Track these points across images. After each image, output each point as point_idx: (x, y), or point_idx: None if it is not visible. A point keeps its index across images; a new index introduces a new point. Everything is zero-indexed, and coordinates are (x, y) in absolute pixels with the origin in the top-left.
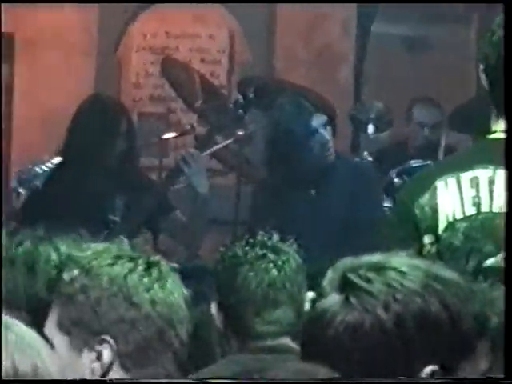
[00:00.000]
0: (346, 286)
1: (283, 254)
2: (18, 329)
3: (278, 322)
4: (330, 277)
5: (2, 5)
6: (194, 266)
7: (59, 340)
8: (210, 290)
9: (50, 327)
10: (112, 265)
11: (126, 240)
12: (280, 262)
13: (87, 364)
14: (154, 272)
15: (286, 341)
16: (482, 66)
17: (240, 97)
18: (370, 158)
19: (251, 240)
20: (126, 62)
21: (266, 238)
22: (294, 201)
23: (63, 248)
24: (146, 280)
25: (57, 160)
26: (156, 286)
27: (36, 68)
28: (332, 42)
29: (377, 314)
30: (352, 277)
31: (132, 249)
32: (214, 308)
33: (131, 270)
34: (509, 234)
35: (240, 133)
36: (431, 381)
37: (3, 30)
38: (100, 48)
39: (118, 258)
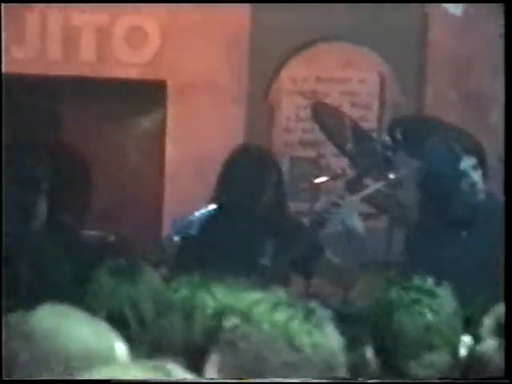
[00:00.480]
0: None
1: (438, 298)
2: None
3: (433, 366)
4: (487, 323)
5: None
6: (348, 311)
7: None
8: (364, 335)
9: (211, 373)
10: (273, 312)
11: (281, 288)
12: (435, 306)
13: None
14: (314, 318)
15: None
16: None
17: (388, 138)
18: None
19: (406, 284)
20: (277, 107)
21: (420, 282)
22: (446, 243)
23: (220, 295)
24: (306, 326)
25: (210, 208)
26: (316, 331)
27: (187, 114)
28: (482, 84)
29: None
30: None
31: (288, 296)
32: (369, 352)
33: (292, 317)
34: (509, 233)
35: (391, 176)
36: (431, 381)
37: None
38: (250, 93)
39: (278, 305)
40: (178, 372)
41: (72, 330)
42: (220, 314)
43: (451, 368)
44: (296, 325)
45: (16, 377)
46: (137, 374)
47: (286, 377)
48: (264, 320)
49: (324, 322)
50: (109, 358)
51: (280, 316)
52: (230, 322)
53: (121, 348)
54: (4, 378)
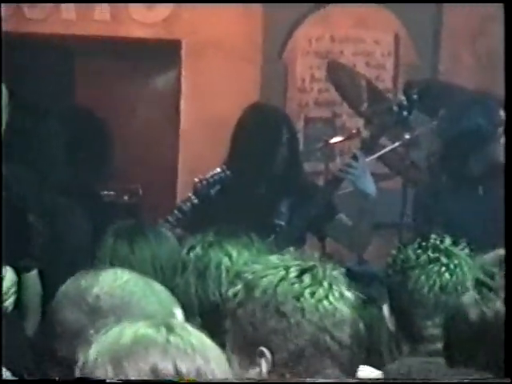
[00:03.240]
0: (476, 283)
1: (455, 258)
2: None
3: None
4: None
5: None
6: (363, 270)
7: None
8: (380, 294)
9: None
10: (266, 275)
11: (291, 249)
12: (452, 266)
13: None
14: (306, 278)
15: None
16: None
17: (403, 98)
18: None
19: (424, 243)
20: (292, 67)
21: (438, 242)
22: (463, 200)
23: (234, 253)
24: (296, 287)
25: (224, 168)
26: (306, 292)
27: (203, 75)
28: (498, 46)
29: (497, 309)
30: (479, 273)
31: (297, 256)
32: (386, 311)
33: (282, 279)
34: (509, 233)
35: (407, 136)
36: (431, 381)
37: None
38: (265, 54)
39: (275, 267)
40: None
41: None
42: (233, 274)
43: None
44: (285, 287)
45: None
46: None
47: (278, 343)
48: (257, 284)
49: (322, 281)
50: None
51: (271, 279)
52: (233, 290)
53: (179, 314)
54: (4, 378)
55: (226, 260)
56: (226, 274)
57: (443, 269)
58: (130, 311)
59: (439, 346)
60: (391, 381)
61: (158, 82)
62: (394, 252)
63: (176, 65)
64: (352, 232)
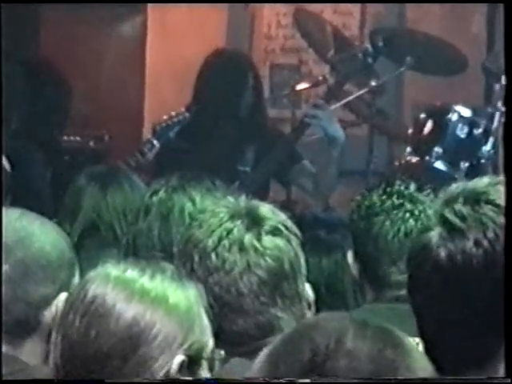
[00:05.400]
0: (444, 221)
1: (420, 204)
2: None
3: None
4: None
5: None
6: (328, 217)
7: None
8: (344, 240)
9: None
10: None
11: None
12: (417, 212)
13: None
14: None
15: None
16: None
17: (369, 46)
18: (503, 109)
19: (388, 189)
20: (258, 14)
21: (403, 188)
22: None
23: (198, 198)
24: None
25: (189, 113)
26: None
27: (168, 21)
28: None
29: (467, 252)
30: (447, 212)
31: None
32: (350, 257)
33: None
34: (509, 234)
35: (373, 83)
36: (431, 381)
37: None
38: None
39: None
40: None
41: None
42: (196, 217)
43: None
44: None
45: None
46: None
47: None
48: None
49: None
50: None
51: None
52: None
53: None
54: (4, 379)
55: (189, 205)
56: (189, 218)
57: (407, 215)
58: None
59: (404, 292)
60: (391, 380)
61: (124, 28)
62: (358, 198)
63: (142, 11)
64: (316, 178)
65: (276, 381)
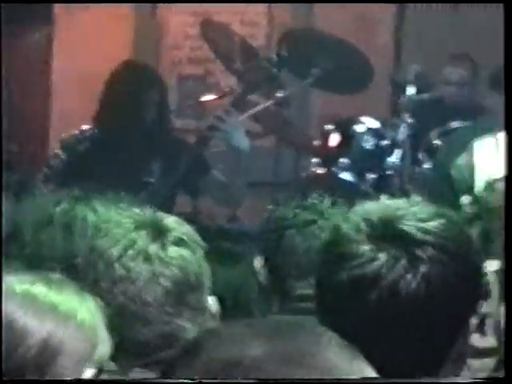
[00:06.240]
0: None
1: (333, 220)
2: None
3: None
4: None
5: None
6: (234, 227)
7: None
8: (251, 251)
9: None
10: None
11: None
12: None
13: None
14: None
15: None
16: None
17: (274, 56)
18: (410, 120)
19: (302, 203)
20: (166, 24)
21: (317, 202)
22: None
23: (100, 209)
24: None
25: (95, 125)
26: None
27: (75, 31)
28: (371, 6)
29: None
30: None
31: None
32: (257, 263)
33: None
34: (508, 233)
35: (280, 95)
36: (431, 381)
37: None
38: (138, 10)
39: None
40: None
41: None
42: (100, 227)
43: None
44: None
45: None
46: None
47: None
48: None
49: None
50: None
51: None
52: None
53: None
54: (4, 378)
55: (92, 215)
56: (93, 229)
57: (319, 231)
58: None
59: (309, 304)
60: (392, 380)
61: (30, 37)
62: (270, 208)
63: (49, 20)
64: (226, 189)
65: (275, 380)
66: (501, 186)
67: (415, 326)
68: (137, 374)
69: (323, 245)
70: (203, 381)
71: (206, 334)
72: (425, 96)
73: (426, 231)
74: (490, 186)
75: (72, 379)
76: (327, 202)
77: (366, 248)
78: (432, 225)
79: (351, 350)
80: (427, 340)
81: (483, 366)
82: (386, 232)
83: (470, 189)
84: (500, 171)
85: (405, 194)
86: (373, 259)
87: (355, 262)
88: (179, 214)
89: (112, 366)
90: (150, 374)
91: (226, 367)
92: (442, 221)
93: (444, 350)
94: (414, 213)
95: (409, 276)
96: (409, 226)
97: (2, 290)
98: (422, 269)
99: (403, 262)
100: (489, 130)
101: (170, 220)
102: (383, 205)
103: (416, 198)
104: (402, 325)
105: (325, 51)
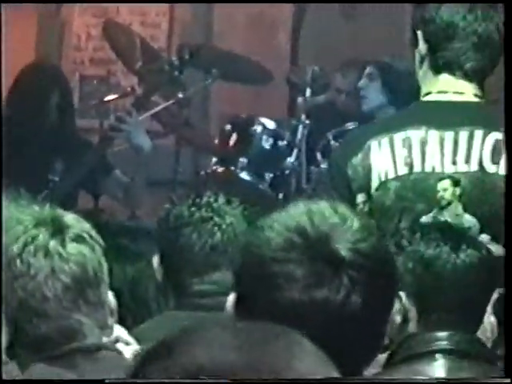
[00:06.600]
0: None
1: (228, 217)
2: None
3: (216, 283)
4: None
5: None
6: (134, 225)
7: None
8: (149, 248)
9: None
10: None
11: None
12: (224, 226)
13: None
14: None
15: (223, 300)
16: (420, 32)
17: (175, 58)
18: (307, 121)
19: (197, 200)
20: (68, 25)
21: (212, 200)
22: None
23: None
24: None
25: None
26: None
27: None
28: (270, 6)
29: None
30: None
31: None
32: (155, 262)
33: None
34: (508, 226)
35: (180, 95)
36: (431, 381)
37: None
38: (41, 10)
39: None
40: None
41: None
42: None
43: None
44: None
45: None
46: None
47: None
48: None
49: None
50: None
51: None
52: None
53: None
54: (4, 378)
55: None
56: None
57: (215, 228)
58: None
59: (206, 301)
60: (392, 381)
61: None
62: (167, 207)
63: None
64: (127, 188)
65: (276, 380)
66: (394, 185)
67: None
68: (37, 368)
69: (249, 255)
70: (199, 381)
71: (178, 335)
72: (320, 99)
73: (358, 252)
74: (383, 185)
75: (72, 379)
76: (222, 199)
77: (303, 271)
78: (364, 246)
79: (324, 358)
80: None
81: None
82: (321, 252)
83: (365, 188)
84: (393, 171)
85: (302, 193)
86: (312, 285)
87: (293, 286)
88: (80, 211)
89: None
90: (51, 369)
91: (199, 372)
92: (372, 239)
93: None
94: (346, 230)
95: (344, 299)
96: (343, 247)
97: (2, 289)
98: (353, 292)
99: (342, 290)
100: (384, 130)
101: (70, 217)
102: (310, 213)
103: (341, 207)
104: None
105: (223, 57)
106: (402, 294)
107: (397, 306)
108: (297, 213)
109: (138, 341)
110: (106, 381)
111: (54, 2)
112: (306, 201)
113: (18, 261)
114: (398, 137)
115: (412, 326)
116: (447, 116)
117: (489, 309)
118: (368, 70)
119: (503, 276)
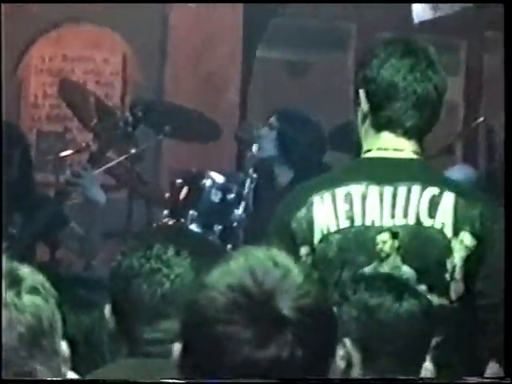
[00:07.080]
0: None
1: (177, 268)
2: None
3: (166, 331)
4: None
5: None
6: (88, 277)
7: None
8: (103, 298)
9: None
10: None
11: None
12: (173, 276)
13: None
14: None
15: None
16: (362, 91)
17: (129, 115)
18: (255, 175)
19: (148, 252)
20: (26, 83)
21: (161, 252)
22: None
23: None
24: None
25: None
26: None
27: None
28: (219, 66)
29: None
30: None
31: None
32: (107, 311)
33: None
34: (509, 234)
35: (132, 151)
36: (431, 381)
37: None
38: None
39: None
40: None
41: None
42: None
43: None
44: None
45: None
46: None
47: None
48: None
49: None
50: None
51: None
52: None
53: None
54: (4, 378)
55: None
56: None
57: (164, 279)
58: None
59: (156, 348)
60: (392, 381)
61: None
62: (119, 258)
63: None
64: (83, 240)
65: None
66: (336, 238)
67: None
68: None
69: (193, 313)
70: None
71: None
72: (265, 154)
73: (301, 311)
74: (326, 237)
75: (71, 379)
76: (171, 251)
77: (247, 332)
78: (306, 302)
79: None
80: None
81: None
82: (265, 312)
83: (308, 240)
84: (335, 224)
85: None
86: (256, 345)
87: (237, 346)
88: (38, 263)
89: None
90: None
91: None
92: (315, 292)
93: None
94: (289, 286)
95: (288, 357)
96: (286, 306)
97: (2, 289)
98: (296, 348)
99: (286, 348)
100: (327, 185)
101: (25, 270)
102: (251, 269)
103: (279, 256)
104: None
105: (175, 114)
106: (346, 340)
107: (341, 352)
108: (238, 268)
109: None
110: (106, 381)
111: (54, 2)
112: (244, 250)
113: None
114: (340, 192)
115: (356, 371)
116: (387, 172)
117: (427, 356)
118: (271, 119)
119: (441, 324)
